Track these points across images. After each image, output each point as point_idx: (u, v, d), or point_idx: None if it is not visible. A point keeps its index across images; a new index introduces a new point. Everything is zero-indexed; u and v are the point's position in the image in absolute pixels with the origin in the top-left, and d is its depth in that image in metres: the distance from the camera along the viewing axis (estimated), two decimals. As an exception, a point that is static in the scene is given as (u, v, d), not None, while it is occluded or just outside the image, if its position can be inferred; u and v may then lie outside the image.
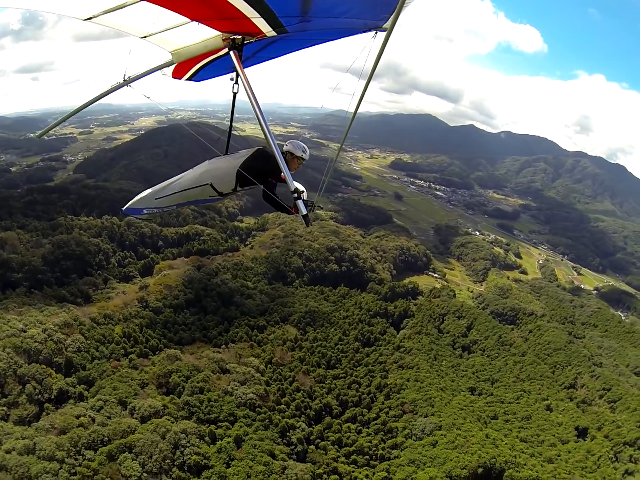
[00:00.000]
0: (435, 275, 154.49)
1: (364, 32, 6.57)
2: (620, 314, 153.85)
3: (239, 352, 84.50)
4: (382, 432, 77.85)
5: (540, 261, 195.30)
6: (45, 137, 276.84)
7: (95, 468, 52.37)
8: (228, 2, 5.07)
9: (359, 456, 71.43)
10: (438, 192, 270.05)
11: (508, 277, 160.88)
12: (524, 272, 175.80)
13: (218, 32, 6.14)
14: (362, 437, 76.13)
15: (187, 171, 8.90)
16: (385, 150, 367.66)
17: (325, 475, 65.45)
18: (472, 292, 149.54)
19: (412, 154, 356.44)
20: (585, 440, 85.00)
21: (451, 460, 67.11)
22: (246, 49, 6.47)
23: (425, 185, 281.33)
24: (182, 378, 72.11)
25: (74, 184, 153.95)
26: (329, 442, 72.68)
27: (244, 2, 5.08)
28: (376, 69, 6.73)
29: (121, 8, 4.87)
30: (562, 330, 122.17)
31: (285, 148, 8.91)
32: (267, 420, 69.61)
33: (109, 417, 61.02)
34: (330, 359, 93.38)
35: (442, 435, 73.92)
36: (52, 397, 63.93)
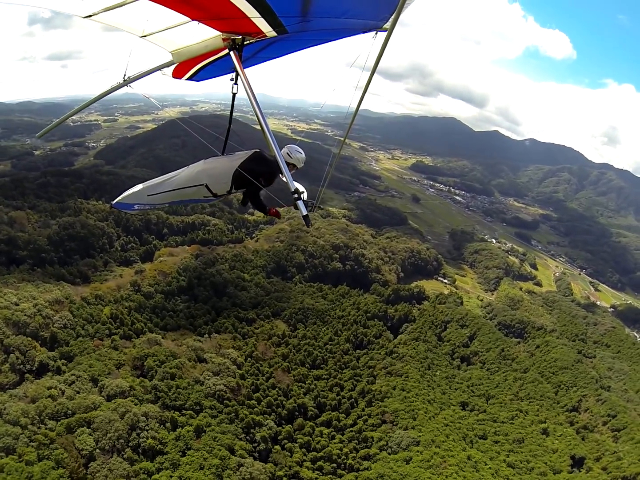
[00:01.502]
0: (445, 281, 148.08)
1: (365, 32, 6.44)
2: (636, 334, 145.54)
3: (219, 342, 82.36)
4: (356, 441, 73.59)
5: (557, 274, 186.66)
6: (71, 123, 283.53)
7: (52, 437, 53.32)
8: (229, 1, 4.98)
9: (326, 463, 67.48)
10: (457, 197, 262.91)
11: (521, 288, 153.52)
12: (539, 284, 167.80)
13: (218, 32, 6.03)
14: (334, 443, 72.09)
15: (182, 169, 8.61)
16: (407, 151, 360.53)
17: (285, 479, 62.22)
18: (481, 300, 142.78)
19: (434, 157, 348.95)
20: (580, 471, 77.56)
21: (422, 480, 61.72)
22: (246, 49, 6.35)
23: (444, 189, 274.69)
24: (157, 362, 71.05)
25: (89, 169, 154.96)
26: (296, 445, 69.04)
27: (244, 1, 4.98)
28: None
29: (121, 6, 4.78)
30: (571, 348, 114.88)
31: (282, 152, 8.46)
32: (232, 414, 67.37)
33: (77, 392, 61.87)
34: (315, 358, 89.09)
35: (418, 451, 68.66)
36: (34, 368, 65.29)
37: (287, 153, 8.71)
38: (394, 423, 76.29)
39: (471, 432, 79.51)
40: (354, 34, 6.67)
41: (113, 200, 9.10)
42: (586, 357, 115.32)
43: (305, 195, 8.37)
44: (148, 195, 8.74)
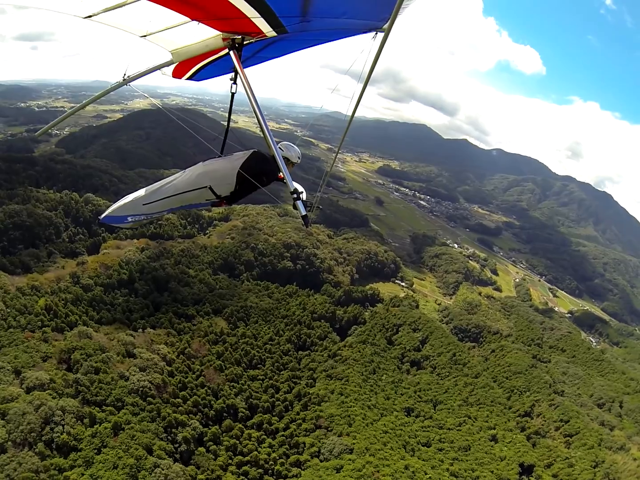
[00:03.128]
0: (403, 284, 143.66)
1: (364, 32, 6.24)
2: (592, 339, 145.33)
3: (152, 338, 77.20)
4: (287, 446, 67.82)
5: (517, 280, 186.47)
6: (35, 108, 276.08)
7: None
8: (228, 1, 4.95)
9: (252, 468, 62.14)
10: (422, 202, 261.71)
11: (480, 293, 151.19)
12: (498, 289, 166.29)
13: (218, 32, 5.96)
14: (264, 447, 66.04)
15: (178, 174, 8.20)
16: (375, 155, 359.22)
17: None
18: (439, 304, 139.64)
19: (402, 162, 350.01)
20: (530, 478, 72.84)
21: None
22: (246, 49, 6.26)
23: (410, 193, 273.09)
24: (84, 356, 66.48)
25: (44, 157, 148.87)
26: (222, 447, 63.98)
27: (244, 1, 4.95)
28: (375, 74, 6.51)
29: (121, 6, 4.77)
30: (526, 353, 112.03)
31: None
32: (155, 412, 62.74)
33: None
34: (252, 358, 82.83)
35: (350, 460, 62.78)
36: None
37: (281, 149, 8.24)
38: (329, 429, 70.58)
39: (413, 440, 73.61)
40: (354, 34, 6.49)
41: (101, 215, 8.36)
42: (541, 362, 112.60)
43: (304, 196, 7.90)
44: (144, 205, 8.05)
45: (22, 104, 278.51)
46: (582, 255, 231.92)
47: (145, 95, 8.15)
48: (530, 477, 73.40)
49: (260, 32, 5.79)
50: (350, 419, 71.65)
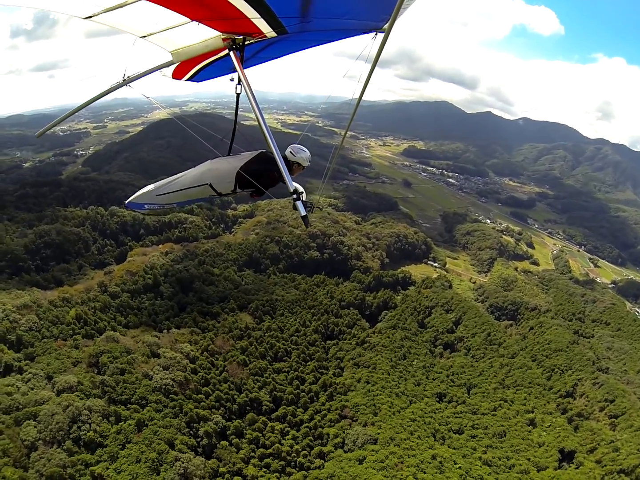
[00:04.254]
0: (435, 264, 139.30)
1: (364, 33, 6.36)
2: (637, 310, 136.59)
3: (176, 337, 78.68)
4: (310, 437, 67.13)
5: (554, 251, 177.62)
6: (60, 133, 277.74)
7: (1, 429, 54.48)
8: (228, 2, 4.97)
9: (275, 460, 62.12)
10: (450, 180, 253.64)
11: (516, 268, 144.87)
12: (536, 263, 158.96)
13: (218, 33, 5.98)
14: (287, 439, 65.72)
15: (189, 170, 8.63)
16: (399, 137, 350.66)
17: (228, 475, 58.45)
18: (474, 283, 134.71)
19: (426, 142, 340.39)
20: (570, 466, 68.01)
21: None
22: (246, 49, 6.34)
23: (437, 172, 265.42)
24: (111, 359, 69.05)
25: (69, 178, 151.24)
26: (244, 441, 64.30)
27: (244, 2, 4.98)
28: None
29: (121, 7, 4.76)
30: (566, 329, 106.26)
31: (286, 153, 8.42)
32: (177, 408, 64.49)
33: (32, 388, 62.15)
34: (278, 351, 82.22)
35: (373, 450, 61.10)
36: (0, 369, 65.48)
37: (291, 152, 8.46)
38: (354, 419, 69.30)
39: (444, 427, 70.64)
40: (354, 35, 6.58)
41: (126, 200, 8.98)
42: (583, 338, 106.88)
43: (304, 196, 7.76)
44: (157, 195, 8.69)
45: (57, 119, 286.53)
46: (622, 221, 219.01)
47: (158, 104, 8.01)
48: (570, 464, 68.87)
49: (260, 32, 5.84)
50: (376, 408, 69.84)
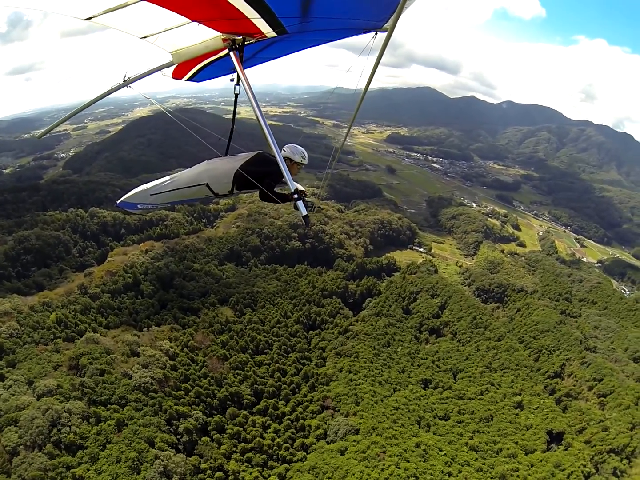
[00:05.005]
0: (421, 249, 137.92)
1: (364, 32, 6.34)
2: (624, 288, 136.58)
3: (156, 335, 77.33)
4: (292, 430, 66.10)
5: (541, 233, 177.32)
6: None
7: None
8: (228, 2, 4.94)
9: (257, 455, 61.25)
10: (435, 165, 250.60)
11: (502, 251, 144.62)
12: (522, 245, 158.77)
13: (218, 33, 5.93)
14: (269, 432, 64.85)
15: (184, 170, 8.61)
16: (382, 125, 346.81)
17: (209, 471, 57.95)
18: (460, 266, 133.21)
19: (410, 128, 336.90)
20: (558, 447, 66.42)
21: (353, 475, 53.02)
22: (246, 49, 6.24)
23: (421, 158, 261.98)
24: (91, 360, 67.94)
25: (47, 182, 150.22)
26: (226, 436, 63.40)
27: (244, 2, 4.95)
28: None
29: (121, 8, 4.70)
30: (553, 309, 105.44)
31: (283, 154, 8.30)
32: (157, 406, 63.62)
33: (13, 395, 61.32)
34: (259, 343, 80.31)
35: (355, 441, 59.64)
36: None
37: (291, 152, 8.50)
38: (336, 409, 67.76)
39: (429, 414, 68.78)
40: (354, 34, 6.54)
41: (118, 200, 8.98)
42: (571, 317, 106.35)
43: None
44: (151, 195, 8.66)
45: (26, 135, 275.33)
46: (607, 201, 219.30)
47: (147, 97, 7.52)
48: (559, 446, 67.25)
49: (260, 32, 5.77)
50: (358, 398, 68.36)
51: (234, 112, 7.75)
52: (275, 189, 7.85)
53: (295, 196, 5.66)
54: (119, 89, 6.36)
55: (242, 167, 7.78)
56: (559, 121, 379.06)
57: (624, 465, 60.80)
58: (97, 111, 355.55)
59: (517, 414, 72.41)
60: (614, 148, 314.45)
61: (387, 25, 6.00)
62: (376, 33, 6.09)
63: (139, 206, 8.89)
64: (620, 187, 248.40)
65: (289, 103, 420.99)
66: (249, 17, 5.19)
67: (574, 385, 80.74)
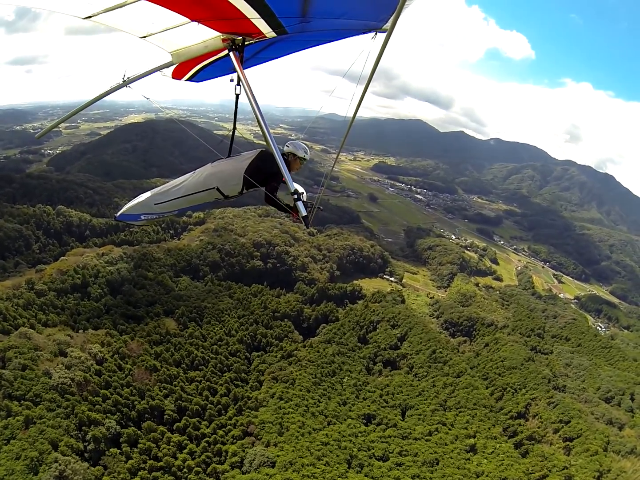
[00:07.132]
0: (392, 279, 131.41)
1: (364, 33, 6.15)
2: (600, 325, 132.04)
3: (89, 338, 73.46)
4: (209, 453, 59.87)
5: (519, 268, 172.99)
6: (31, 130, 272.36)
7: None
8: (228, 2, 4.86)
9: (164, 475, 55.94)
10: (418, 196, 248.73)
11: (477, 284, 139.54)
12: (499, 279, 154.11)
13: (218, 33, 5.83)
14: (184, 453, 58.90)
15: (188, 175, 8.25)
16: (370, 153, 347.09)
17: None
18: (431, 298, 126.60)
19: (398, 158, 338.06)
20: None
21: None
22: (246, 49, 6.13)
23: (405, 188, 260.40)
24: (17, 354, 64.32)
25: (21, 175, 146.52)
26: (136, 450, 58.23)
27: (244, 2, 4.86)
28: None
29: (121, 7, 4.66)
30: (523, 345, 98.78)
31: (286, 149, 8.31)
32: (69, 409, 59.38)
33: None
34: (194, 358, 74.82)
35: (267, 474, 53.06)
36: None
37: (294, 147, 8.20)
38: (258, 437, 60.92)
39: (364, 453, 60.58)
40: (354, 35, 6.37)
41: (117, 213, 8.60)
42: (541, 354, 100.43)
43: (304, 197, 7.38)
44: (155, 204, 8.30)
45: (18, 127, 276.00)
46: (586, 239, 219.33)
47: (146, 97, 7.26)
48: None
49: (260, 33, 5.68)
50: (283, 428, 61.23)
51: (235, 113, 7.27)
52: (281, 200, 7.42)
53: (295, 197, 5.54)
54: (119, 89, 6.17)
55: (249, 168, 7.48)
56: (544, 160, 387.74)
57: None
58: (91, 112, 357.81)
59: (468, 459, 64.09)
60: (595, 188, 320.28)
61: (387, 25, 5.77)
62: (376, 33, 5.86)
63: (143, 217, 8.41)
64: (600, 226, 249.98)
65: (281, 125, 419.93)
66: (249, 17, 5.09)
67: (539, 427, 73.94)
